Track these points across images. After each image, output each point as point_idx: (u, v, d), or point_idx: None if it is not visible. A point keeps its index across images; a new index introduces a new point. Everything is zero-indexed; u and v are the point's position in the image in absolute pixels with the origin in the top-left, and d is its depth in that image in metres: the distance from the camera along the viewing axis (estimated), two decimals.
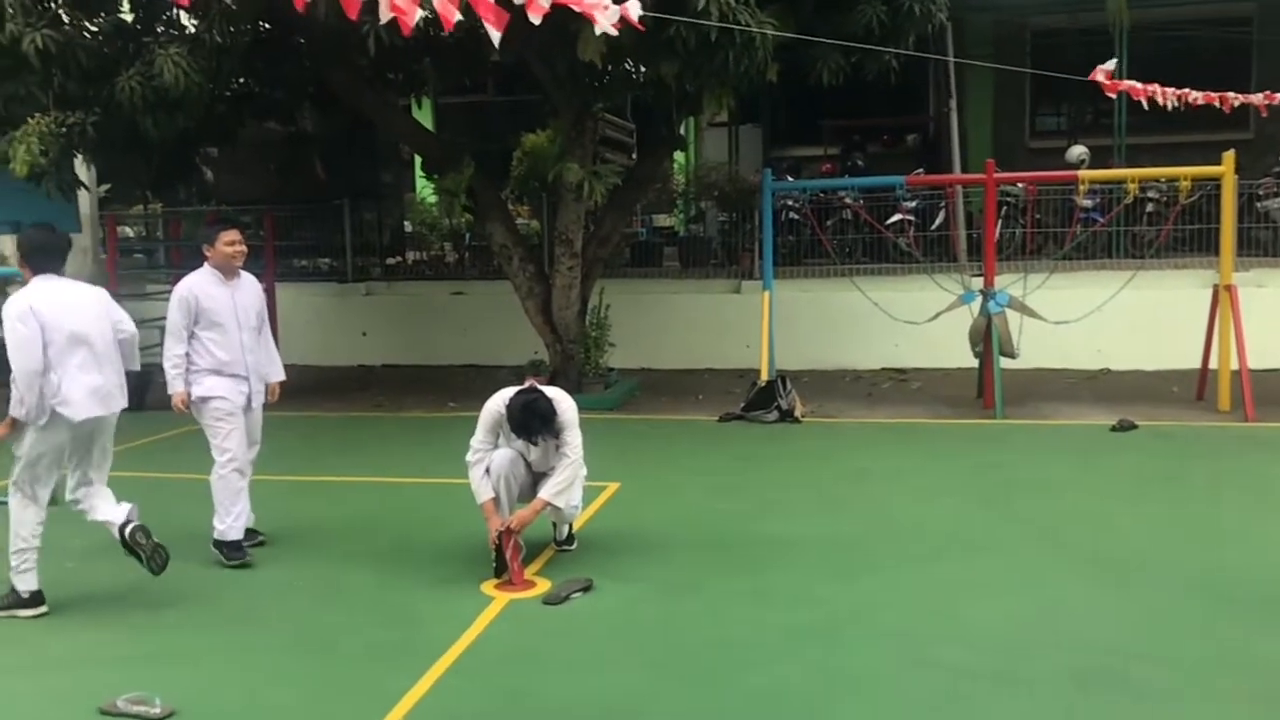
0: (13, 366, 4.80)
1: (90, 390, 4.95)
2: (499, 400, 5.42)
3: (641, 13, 6.21)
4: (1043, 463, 7.90)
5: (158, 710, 3.99)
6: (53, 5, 8.97)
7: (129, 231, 16.00)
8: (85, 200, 14.44)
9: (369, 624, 4.94)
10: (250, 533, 6.14)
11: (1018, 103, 15.84)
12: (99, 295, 5.17)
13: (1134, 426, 8.73)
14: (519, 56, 9.97)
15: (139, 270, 14.56)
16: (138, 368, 5.41)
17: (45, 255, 5.04)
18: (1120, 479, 7.29)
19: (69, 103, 8.90)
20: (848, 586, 5.24)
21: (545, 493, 5.39)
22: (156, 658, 4.60)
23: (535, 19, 5.77)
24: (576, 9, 5.97)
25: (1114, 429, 8.74)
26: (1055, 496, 6.86)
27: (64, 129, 8.73)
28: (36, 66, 8.57)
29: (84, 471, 5.25)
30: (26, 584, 5.12)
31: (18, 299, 4.90)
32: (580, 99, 9.85)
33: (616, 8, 6.09)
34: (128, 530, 5.11)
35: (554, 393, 5.45)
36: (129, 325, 5.25)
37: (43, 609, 5.11)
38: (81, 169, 13.14)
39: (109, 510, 5.21)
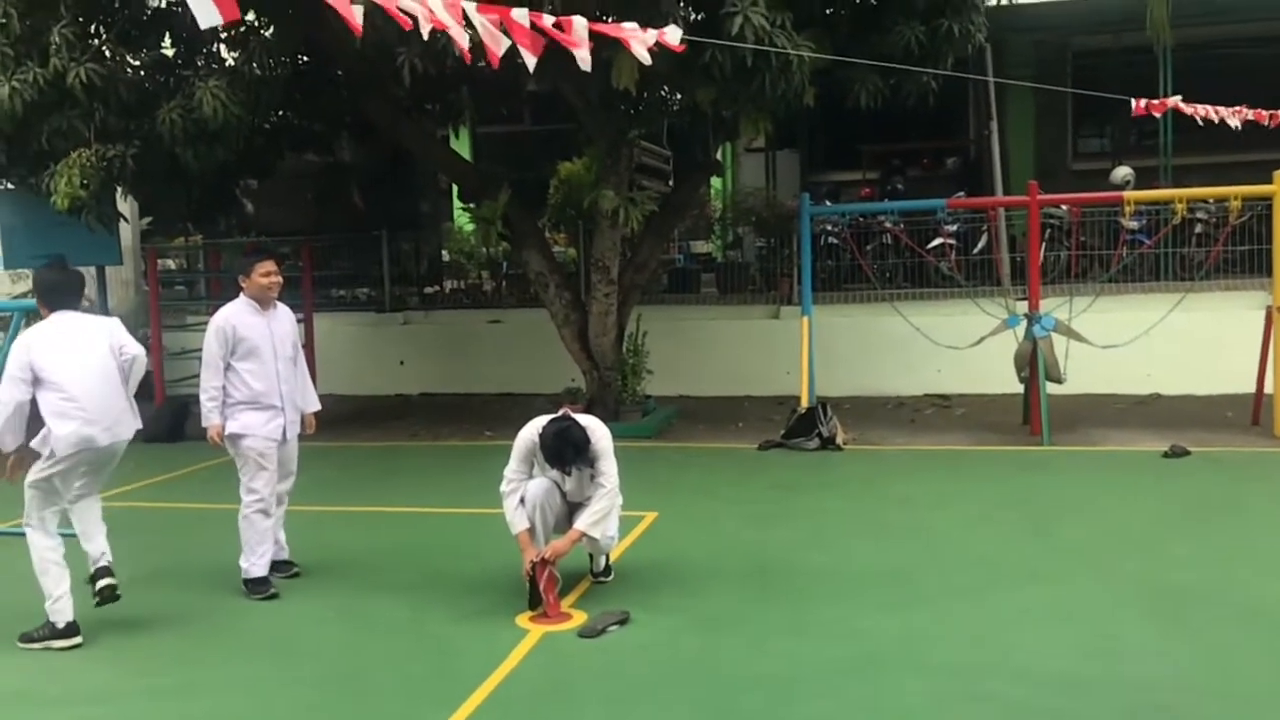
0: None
1: (70, 432, 4.98)
2: (532, 429, 5.33)
3: (680, 37, 6.18)
4: (1093, 490, 7.67)
5: None
6: (96, 41, 9.09)
7: (171, 264, 16.19)
8: (127, 233, 14.62)
9: (401, 657, 4.84)
10: (285, 564, 6.09)
11: (1059, 125, 15.63)
12: (106, 327, 5.25)
13: (1187, 453, 8.48)
14: (553, 85, 9.98)
15: (180, 302, 14.72)
16: (132, 389, 5.37)
17: (58, 293, 5.22)
18: (1174, 507, 7.06)
19: (109, 136, 8.99)
20: (893, 618, 5.07)
21: (581, 524, 5.28)
22: (188, 690, 4.53)
23: (582, 57, 5.75)
24: (612, 35, 5.94)
25: (1166, 455, 8.49)
26: (1107, 525, 6.64)
27: (104, 162, 8.81)
28: (81, 100, 8.68)
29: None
30: (61, 615, 5.08)
31: (23, 336, 5.13)
32: (615, 126, 9.81)
33: (653, 32, 6.05)
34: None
35: (588, 420, 5.35)
36: (132, 349, 5.24)
37: (77, 639, 5.07)
38: (123, 202, 13.35)
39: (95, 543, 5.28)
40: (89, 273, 13.12)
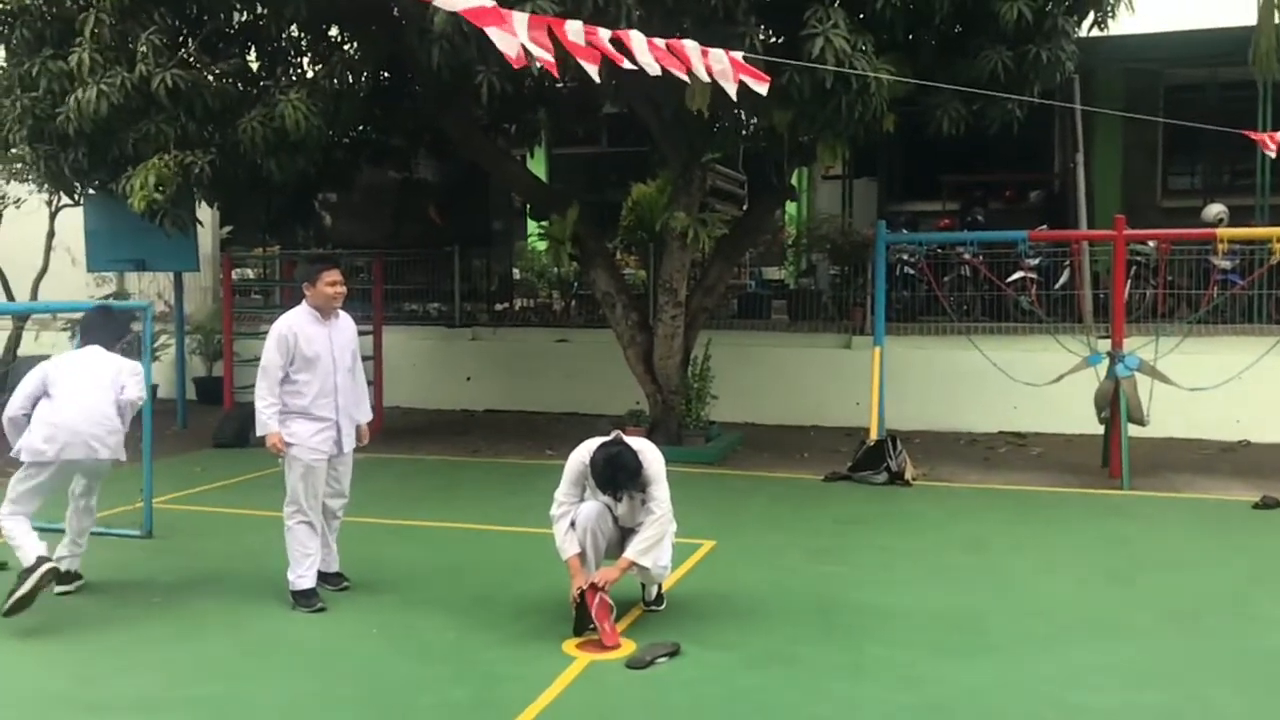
0: None
1: (45, 437, 5.50)
2: (584, 452, 5.18)
3: (757, 57, 6.05)
4: (1176, 539, 7.29)
5: None
6: (183, 53, 9.24)
7: (249, 273, 16.44)
8: (206, 241, 14.90)
9: (444, 679, 4.70)
10: (335, 576, 6.01)
11: (1149, 160, 15.15)
12: (119, 366, 5.87)
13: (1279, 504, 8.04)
14: (628, 105, 9.91)
15: (255, 309, 14.91)
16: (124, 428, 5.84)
17: (93, 331, 6.02)
18: (1265, 561, 6.65)
19: (190, 143, 9.11)
20: (959, 666, 4.80)
21: (631, 552, 5.11)
22: (225, 703, 4.44)
23: (646, 62, 5.65)
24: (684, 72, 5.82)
25: (1257, 506, 8.05)
26: (1192, 577, 6.28)
27: (182, 167, 8.92)
28: (166, 105, 8.81)
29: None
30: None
31: (53, 357, 5.93)
32: (688, 147, 9.69)
33: (727, 66, 5.88)
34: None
35: (640, 444, 5.18)
36: (131, 393, 5.82)
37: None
38: (202, 210, 13.59)
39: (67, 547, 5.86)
40: (167, 278, 13.38)
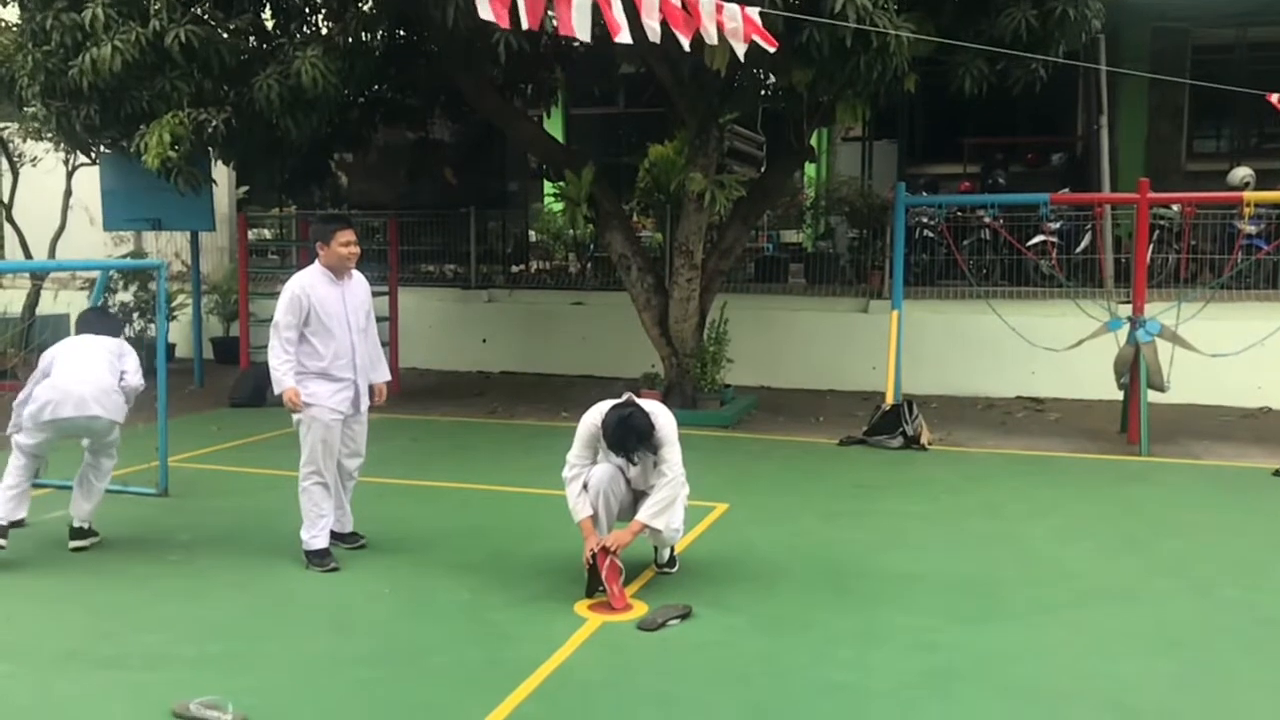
0: None
1: (39, 402, 5.78)
2: (595, 414, 5.14)
3: (776, 13, 5.94)
4: (1195, 506, 7.22)
5: (229, 717, 3.82)
6: (195, 8, 9.16)
7: (266, 234, 16.43)
8: (223, 201, 14.88)
9: (456, 639, 4.70)
10: (351, 536, 6.02)
11: (1174, 123, 14.89)
12: (117, 349, 6.10)
13: None
14: (646, 64, 9.78)
15: (272, 270, 14.91)
16: (124, 412, 6.04)
17: (82, 326, 6.32)
18: None
19: (204, 101, 9.05)
20: (973, 632, 4.77)
21: (643, 514, 5.08)
22: (238, 660, 4.45)
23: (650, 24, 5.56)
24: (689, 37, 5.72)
25: (1277, 473, 7.97)
26: (1211, 545, 6.21)
27: (196, 124, 8.86)
28: (180, 62, 8.74)
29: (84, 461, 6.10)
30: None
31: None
32: (706, 105, 9.56)
33: (740, 24, 5.77)
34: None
35: (651, 406, 5.14)
36: (131, 380, 6.04)
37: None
38: (221, 172, 13.55)
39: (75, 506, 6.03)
40: (184, 238, 13.37)
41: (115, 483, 6.98)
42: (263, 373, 10.94)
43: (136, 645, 4.60)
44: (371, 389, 6.00)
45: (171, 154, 8.94)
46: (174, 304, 14.12)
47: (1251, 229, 11.03)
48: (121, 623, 4.89)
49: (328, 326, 5.66)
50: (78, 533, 5.94)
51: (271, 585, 5.40)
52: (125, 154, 9.85)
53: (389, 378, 6.15)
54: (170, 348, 14.26)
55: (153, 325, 12.46)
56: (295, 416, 5.69)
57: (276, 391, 5.65)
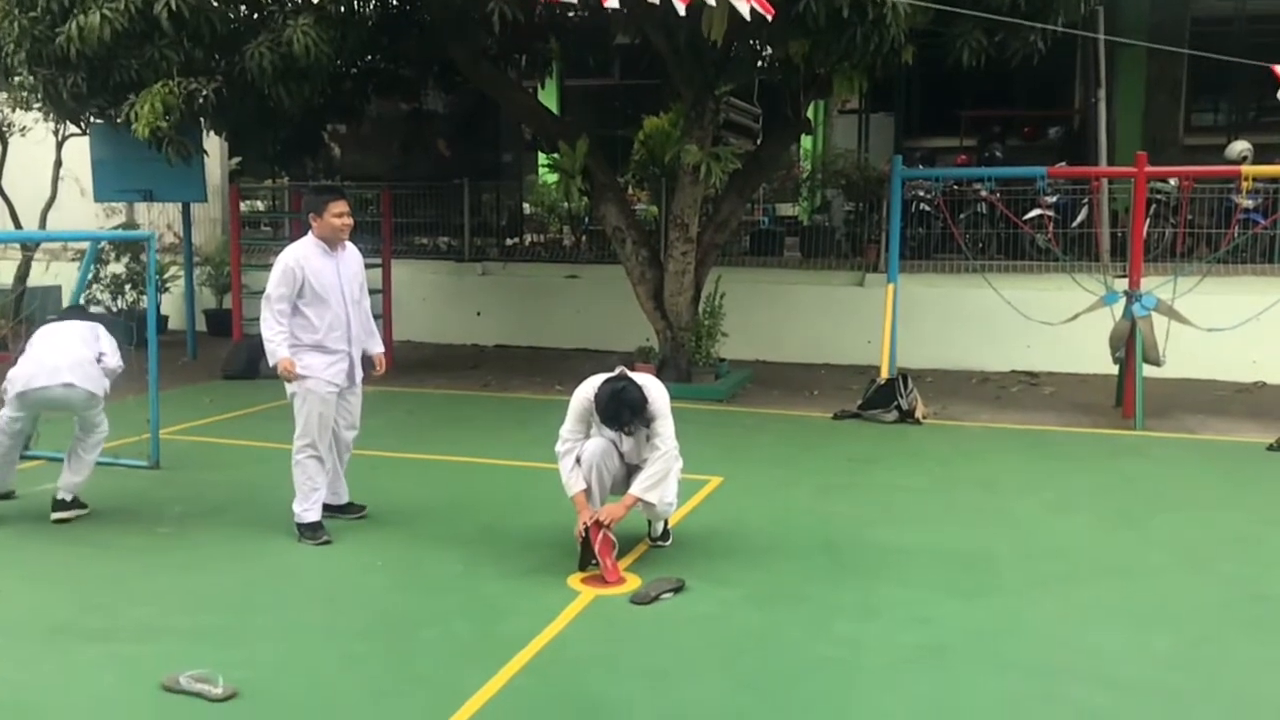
0: None
1: (17, 374, 5.88)
2: (588, 388, 5.10)
3: None
4: (1190, 480, 7.21)
5: (219, 691, 3.80)
6: None
7: (259, 205, 16.32)
8: (215, 172, 14.77)
9: (448, 612, 4.69)
10: (349, 506, 5.99)
11: (1172, 97, 14.80)
12: (94, 331, 6.16)
13: None
14: (642, 33, 9.67)
15: (265, 241, 14.82)
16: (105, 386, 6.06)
17: (60, 316, 6.47)
18: (1279, 504, 6.57)
19: (194, 70, 8.94)
20: (967, 607, 4.76)
21: (637, 488, 5.06)
22: (230, 633, 4.43)
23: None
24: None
25: (1271, 448, 7.96)
26: (1205, 519, 6.21)
27: (186, 94, 8.76)
28: (169, 30, 8.62)
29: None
30: None
31: None
32: (702, 76, 9.47)
33: None
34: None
35: (644, 380, 5.11)
36: (110, 362, 6.06)
37: None
38: (214, 143, 13.43)
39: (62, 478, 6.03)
40: (177, 209, 13.25)
41: (106, 455, 6.95)
42: (256, 345, 10.91)
43: (127, 618, 4.58)
44: (371, 360, 5.98)
45: (162, 124, 8.84)
46: (166, 276, 14.04)
47: (1249, 203, 10.98)
48: (112, 596, 4.86)
49: (322, 298, 5.60)
50: (60, 504, 5.91)
51: (263, 558, 5.38)
52: (115, 124, 9.73)
53: (382, 348, 6.10)
54: (163, 320, 14.21)
55: (144, 297, 12.39)
56: (290, 389, 5.65)
57: (271, 363, 5.59)
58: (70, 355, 5.85)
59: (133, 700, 3.82)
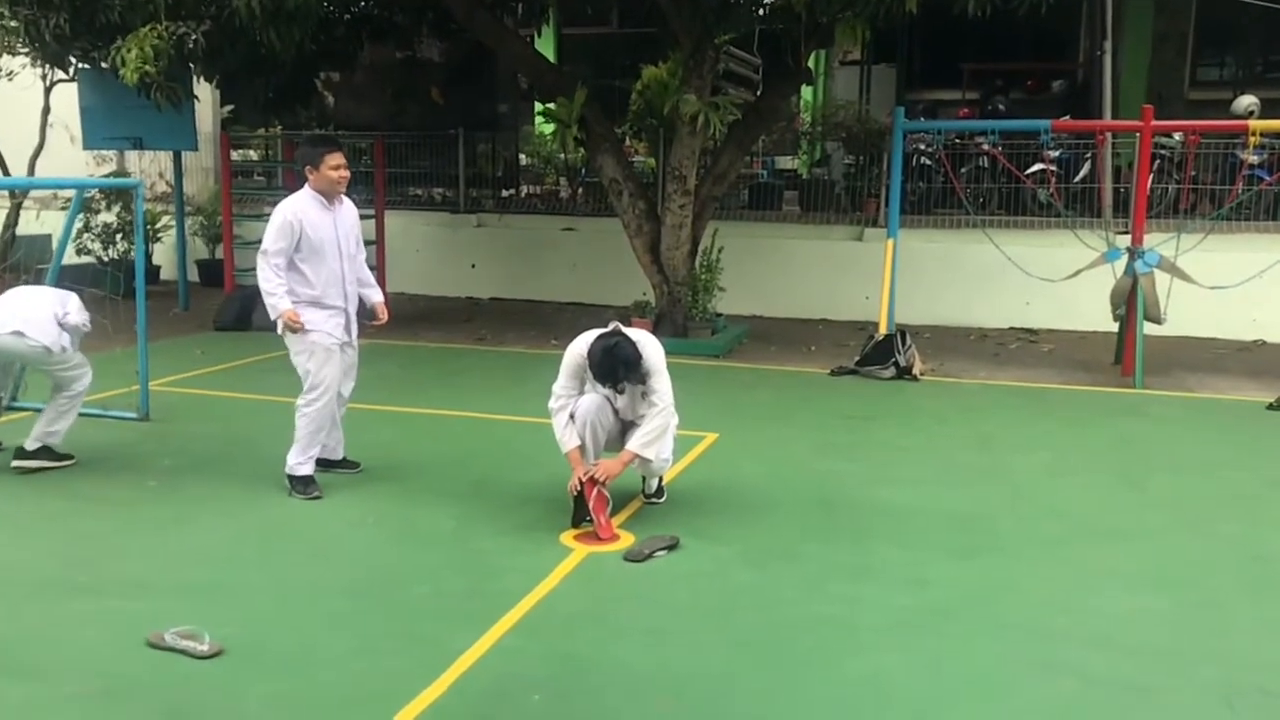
0: None
1: None
2: (581, 344, 5.00)
3: None
4: (1189, 439, 7.16)
5: (205, 648, 3.74)
6: None
7: (252, 155, 16.11)
8: (207, 120, 14.54)
9: (439, 569, 4.63)
10: (345, 462, 5.92)
11: (1178, 50, 14.56)
12: (58, 296, 6.02)
13: None
14: None
15: (258, 191, 14.64)
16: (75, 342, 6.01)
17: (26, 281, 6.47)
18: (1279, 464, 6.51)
19: (182, 13, 8.73)
20: (965, 567, 4.71)
21: (633, 444, 4.98)
22: (218, 590, 4.37)
23: None
24: None
25: (1271, 407, 7.90)
26: (1205, 479, 6.15)
27: (175, 38, 8.56)
28: None
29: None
30: None
31: None
32: (701, 24, 9.27)
33: None
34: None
35: (639, 335, 5.01)
36: (73, 319, 5.90)
37: None
38: (206, 91, 13.20)
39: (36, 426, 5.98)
40: (169, 157, 13.05)
41: (95, 407, 6.91)
42: (249, 295, 10.88)
43: (113, 573, 4.52)
44: (373, 310, 5.89)
45: (150, 69, 8.65)
46: (158, 226, 13.87)
47: (1254, 159, 10.83)
48: (98, 550, 4.80)
49: (319, 253, 5.48)
50: (22, 452, 5.84)
51: (253, 513, 5.31)
52: (102, 69, 9.53)
53: (382, 297, 6.00)
54: (154, 270, 14.06)
55: (135, 247, 12.25)
56: (292, 346, 5.53)
57: (273, 317, 5.44)
58: (28, 308, 5.78)
59: (118, 657, 3.75)
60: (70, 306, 5.95)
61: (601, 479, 4.97)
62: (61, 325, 5.83)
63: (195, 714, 3.41)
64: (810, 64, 11.13)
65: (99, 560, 4.67)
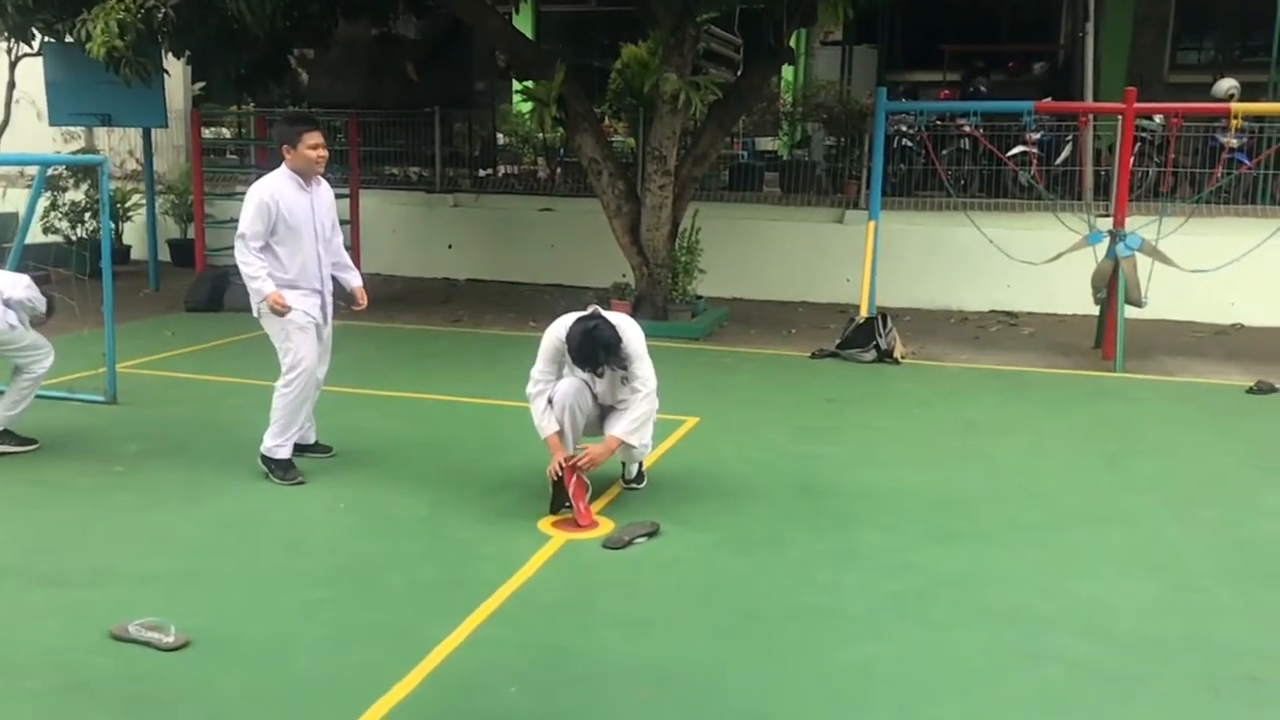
0: None
1: None
2: (560, 327, 4.89)
3: None
4: (1171, 424, 7.13)
5: (171, 639, 3.63)
6: None
7: (225, 132, 15.84)
8: (178, 97, 14.28)
9: (414, 557, 4.53)
10: (317, 446, 5.80)
11: (1159, 33, 14.55)
12: (8, 275, 5.88)
13: (1275, 389, 7.87)
14: None
15: (230, 169, 14.42)
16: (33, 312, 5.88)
17: None
18: (1262, 449, 6.48)
19: None
20: (948, 553, 4.64)
21: (619, 431, 4.89)
22: (186, 578, 4.26)
23: None
24: None
25: (1251, 391, 7.90)
26: (1188, 464, 6.12)
27: (143, 11, 8.36)
28: None
29: None
30: None
31: None
32: (682, 2, 9.14)
33: None
34: None
35: (618, 319, 4.91)
36: (18, 294, 5.70)
37: None
38: (177, 67, 12.94)
39: None
40: (138, 133, 12.80)
41: (61, 389, 6.76)
42: (221, 276, 10.71)
43: (78, 562, 4.39)
44: (353, 294, 5.78)
45: (118, 44, 8.44)
46: (128, 204, 13.64)
47: (1235, 143, 10.81)
48: (62, 538, 4.66)
49: (296, 235, 5.34)
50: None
51: (222, 499, 5.19)
52: (66, 42, 9.30)
53: (360, 282, 5.87)
54: (125, 249, 13.83)
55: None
56: (269, 327, 5.38)
57: (257, 301, 5.30)
58: None
59: (81, 649, 3.64)
60: (13, 284, 5.77)
61: (586, 467, 4.87)
62: (5, 304, 5.65)
63: (161, 708, 3.30)
64: (792, 44, 11.02)
65: (62, 549, 4.54)
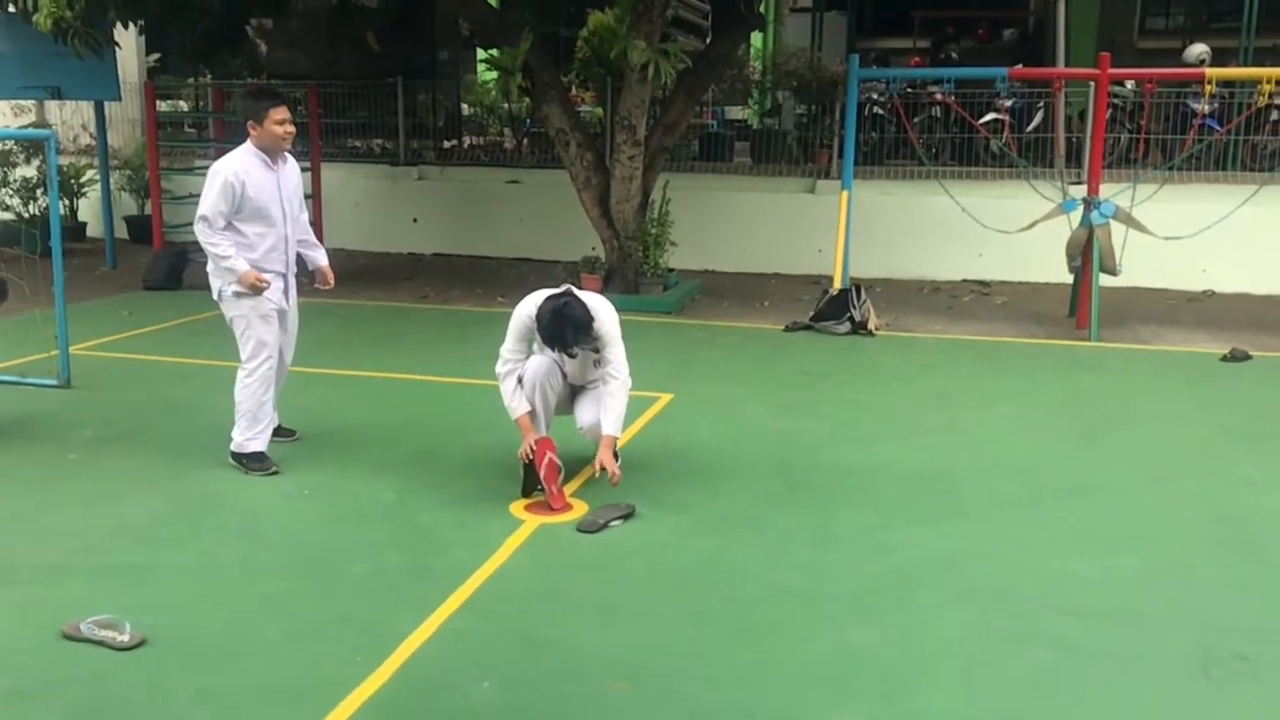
0: None
1: None
2: (529, 305, 4.72)
3: None
4: (1148, 393, 7.07)
5: (125, 638, 3.46)
6: None
7: (183, 105, 15.46)
8: (132, 70, 13.90)
9: (381, 545, 4.37)
10: (281, 429, 5.58)
11: None
12: None
13: (1248, 357, 7.85)
14: None
15: (187, 144, 14.07)
16: None
17: None
18: (1239, 417, 6.43)
19: None
20: (930, 532, 4.54)
21: (609, 427, 4.73)
22: (141, 572, 4.08)
23: None
24: None
25: (1225, 359, 7.86)
26: (1166, 434, 6.06)
27: None
28: None
29: None
30: None
31: None
32: None
33: None
34: None
35: (591, 299, 4.74)
36: None
37: None
38: (130, 38, 12.57)
39: None
40: (90, 107, 12.44)
41: (11, 373, 6.53)
42: (179, 253, 10.43)
43: (28, 557, 4.20)
44: (320, 272, 5.60)
45: (66, 14, 8.14)
46: (82, 180, 13.28)
47: (1207, 109, 10.76)
48: (10, 531, 4.47)
49: (263, 216, 5.11)
50: None
51: (180, 487, 4.99)
52: (10, 11, 8.96)
53: (326, 261, 5.66)
54: (80, 227, 13.48)
55: (62, 202, 11.67)
56: (230, 312, 5.16)
57: (232, 280, 5.06)
58: None
59: (30, 650, 3.46)
60: None
61: (615, 483, 4.69)
62: None
63: (114, 712, 3.14)
64: (761, 10, 10.84)
65: (10, 543, 4.34)
